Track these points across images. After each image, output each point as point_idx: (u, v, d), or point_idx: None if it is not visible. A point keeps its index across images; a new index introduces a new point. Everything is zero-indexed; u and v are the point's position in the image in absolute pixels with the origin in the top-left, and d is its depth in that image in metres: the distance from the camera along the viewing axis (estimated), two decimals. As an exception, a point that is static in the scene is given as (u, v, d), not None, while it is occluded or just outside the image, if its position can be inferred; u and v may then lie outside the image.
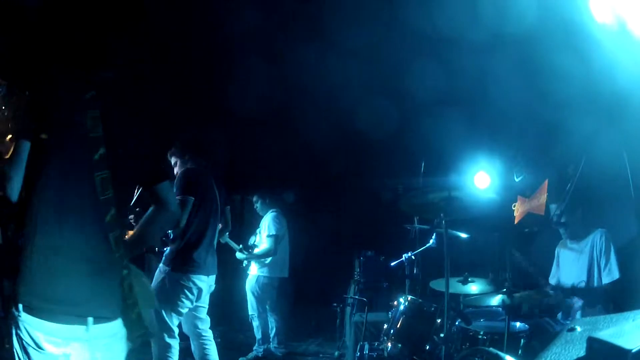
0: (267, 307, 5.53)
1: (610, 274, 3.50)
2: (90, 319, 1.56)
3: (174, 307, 3.47)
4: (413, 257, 4.53)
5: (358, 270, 5.79)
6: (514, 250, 4.03)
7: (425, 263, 4.66)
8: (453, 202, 3.05)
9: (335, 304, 5.74)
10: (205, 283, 3.60)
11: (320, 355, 5.91)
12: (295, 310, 6.63)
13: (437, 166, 5.21)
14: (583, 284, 3.62)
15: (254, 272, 5.54)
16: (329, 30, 4.46)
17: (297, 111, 6.18)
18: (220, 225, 3.97)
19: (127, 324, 1.72)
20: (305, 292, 7.14)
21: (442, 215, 3.16)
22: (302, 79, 5.22)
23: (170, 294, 3.46)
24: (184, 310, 3.55)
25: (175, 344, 3.50)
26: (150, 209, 1.87)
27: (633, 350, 1.29)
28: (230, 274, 5.98)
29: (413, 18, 4.07)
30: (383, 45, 4.81)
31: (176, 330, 3.52)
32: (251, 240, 5.70)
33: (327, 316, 6.20)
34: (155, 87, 5.31)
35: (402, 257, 4.56)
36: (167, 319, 3.45)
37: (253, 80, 5.19)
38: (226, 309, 6.56)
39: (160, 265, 3.60)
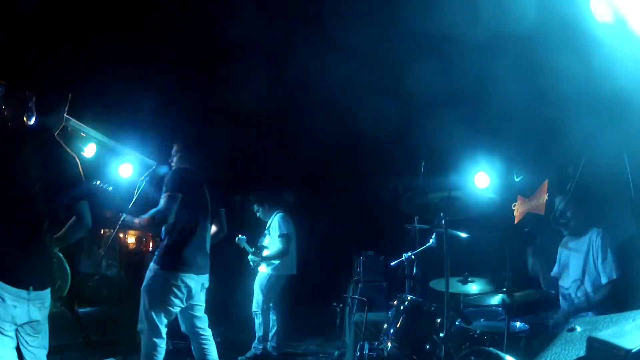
0: (270, 304, 5.56)
1: (608, 273, 3.49)
2: (31, 287, 2.51)
3: (163, 307, 3.46)
4: (413, 256, 4.52)
5: (358, 270, 5.79)
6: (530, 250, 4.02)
7: (425, 263, 4.65)
8: (453, 202, 3.05)
9: (335, 304, 5.74)
10: (195, 282, 3.58)
11: (320, 355, 5.91)
12: (295, 310, 6.63)
13: (437, 166, 5.20)
14: (579, 283, 3.62)
15: (265, 270, 5.58)
16: (329, 30, 4.47)
17: (298, 111, 6.19)
18: (215, 228, 3.97)
19: (52, 291, 2.68)
20: (305, 292, 7.13)
21: (442, 215, 3.15)
22: (302, 78, 5.22)
23: (160, 293, 3.46)
24: (175, 310, 3.54)
25: (161, 343, 3.49)
26: (72, 219, 2.71)
27: (633, 350, 1.29)
28: (230, 274, 5.99)
29: (413, 18, 4.07)
30: (383, 45, 4.81)
31: (164, 330, 3.51)
32: (260, 242, 5.74)
33: (327, 316, 6.20)
34: (154, 88, 5.32)
35: (402, 257, 4.55)
36: (155, 318, 3.44)
37: (253, 80, 5.19)
38: (226, 309, 6.56)
39: (151, 264, 3.59)
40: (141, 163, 5.68)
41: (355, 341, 4.24)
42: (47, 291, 2.65)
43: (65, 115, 2.90)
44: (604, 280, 3.50)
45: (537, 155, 4.76)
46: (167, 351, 4.08)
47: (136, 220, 3.53)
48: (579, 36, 3.03)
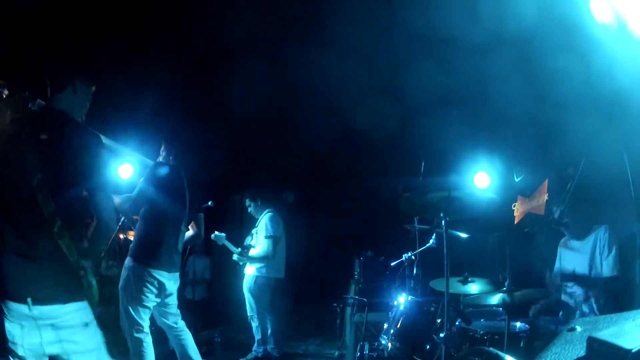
0: (265, 306, 5.52)
1: (611, 269, 3.50)
2: (29, 299, 1.96)
3: (139, 302, 3.54)
4: (413, 257, 4.52)
5: (358, 270, 5.78)
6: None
7: (425, 263, 4.66)
8: (453, 202, 3.05)
9: (335, 304, 5.74)
10: (167, 279, 3.64)
11: (320, 355, 5.91)
12: (295, 310, 6.64)
13: (437, 166, 5.20)
14: (584, 279, 3.62)
15: (251, 272, 5.50)
16: (329, 30, 4.47)
17: (297, 111, 6.19)
18: (192, 232, 4.03)
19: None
20: (305, 292, 7.14)
21: (442, 215, 3.15)
22: (302, 79, 5.22)
23: (134, 289, 3.54)
24: (150, 304, 3.61)
25: (146, 338, 3.56)
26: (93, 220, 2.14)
27: (633, 350, 1.29)
28: (229, 274, 5.99)
29: (413, 18, 4.07)
30: (383, 45, 4.81)
31: (145, 325, 3.58)
32: (247, 241, 5.66)
33: (327, 316, 6.20)
34: (154, 88, 5.32)
35: (402, 257, 4.55)
36: (134, 314, 3.53)
37: (253, 80, 5.19)
38: (226, 309, 6.56)
39: (126, 259, 3.67)
40: (141, 163, 5.67)
41: (356, 341, 4.24)
42: (66, 308, 2.03)
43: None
44: (606, 274, 3.51)
45: (537, 155, 4.76)
46: (169, 352, 4.09)
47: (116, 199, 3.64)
48: (578, 37, 3.03)
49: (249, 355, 5.50)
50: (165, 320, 3.79)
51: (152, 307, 3.65)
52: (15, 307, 1.98)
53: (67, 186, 2.09)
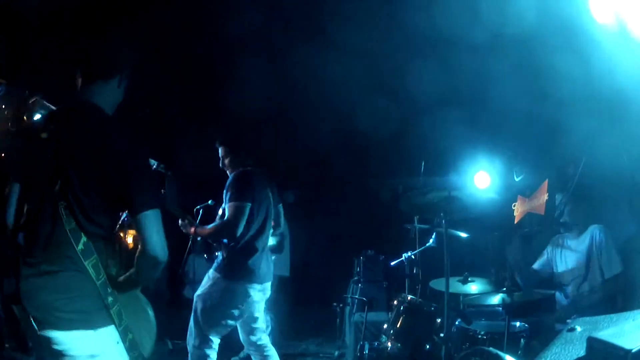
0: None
1: (612, 267, 3.50)
2: (31, 319, 1.70)
3: (222, 318, 3.27)
4: (413, 256, 4.52)
5: (358, 270, 5.78)
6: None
7: (425, 263, 4.66)
8: (453, 202, 3.04)
9: (335, 304, 5.74)
10: (257, 291, 3.37)
11: (320, 355, 5.90)
12: (295, 310, 6.62)
13: (437, 166, 5.20)
14: (581, 279, 3.62)
15: None
16: (329, 30, 4.47)
17: (297, 111, 6.19)
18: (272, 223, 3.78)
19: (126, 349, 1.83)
20: (305, 292, 7.13)
21: (442, 215, 3.15)
22: (302, 79, 5.23)
23: (218, 304, 3.25)
24: (233, 322, 3.36)
25: (213, 355, 3.32)
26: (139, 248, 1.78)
27: (633, 350, 1.30)
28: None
29: (413, 18, 4.08)
30: (383, 45, 4.82)
31: (216, 342, 3.34)
32: None
33: (327, 316, 6.19)
34: (154, 87, 5.32)
35: (402, 257, 4.56)
36: (210, 330, 3.28)
37: (253, 80, 5.20)
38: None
39: (211, 271, 3.37)
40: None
41: (356, 341, 4.24)
42: (72, 335, 1.70)
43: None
44: (607, 275, 3.50)
45: (537, 155, 4.76)
46: (167, 352, 4.08)
47: (199, 230, 3.32)
48: (578, 37, 3.04)
49: (242, 353, 5.46)
50: (249, 337, 3.54)
51: (233, 325, 3.41)
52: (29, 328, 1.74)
53: (98, 197, 1.75)
